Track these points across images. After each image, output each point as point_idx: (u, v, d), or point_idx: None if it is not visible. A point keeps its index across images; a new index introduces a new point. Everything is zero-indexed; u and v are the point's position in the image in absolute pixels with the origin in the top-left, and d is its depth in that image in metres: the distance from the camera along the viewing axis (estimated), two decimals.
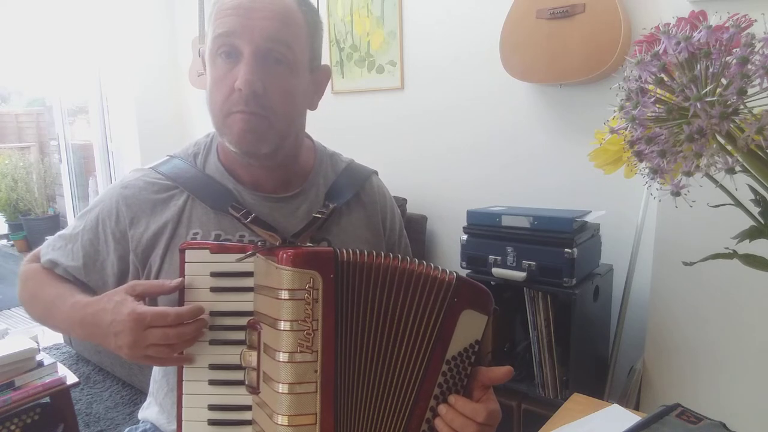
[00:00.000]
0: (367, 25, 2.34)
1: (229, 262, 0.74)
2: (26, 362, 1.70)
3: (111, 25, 3.19)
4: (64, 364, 1.89)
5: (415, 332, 0.72)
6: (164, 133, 3.18)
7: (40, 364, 1.74)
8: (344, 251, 0.70)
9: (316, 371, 0.67)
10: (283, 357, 0.66)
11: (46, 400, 1.78)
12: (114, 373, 2.59)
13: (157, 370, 0.97)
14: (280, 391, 0.67)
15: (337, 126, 2.51)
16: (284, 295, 0.67)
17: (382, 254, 0.72)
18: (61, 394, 1.78)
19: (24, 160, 5.41)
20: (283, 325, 0.67)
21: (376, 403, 0.72)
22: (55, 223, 5.06)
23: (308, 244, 0.82)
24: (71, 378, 1.80)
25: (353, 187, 0.95)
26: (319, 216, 0.86)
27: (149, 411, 0.97)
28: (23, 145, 6.18)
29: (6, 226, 5.36)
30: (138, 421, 0.99)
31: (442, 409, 0.72)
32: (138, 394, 2.44)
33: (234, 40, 0.76)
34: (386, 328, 0.71)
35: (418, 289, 0.71)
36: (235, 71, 0.76)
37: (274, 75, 0.78)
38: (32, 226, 5.07)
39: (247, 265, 0.74)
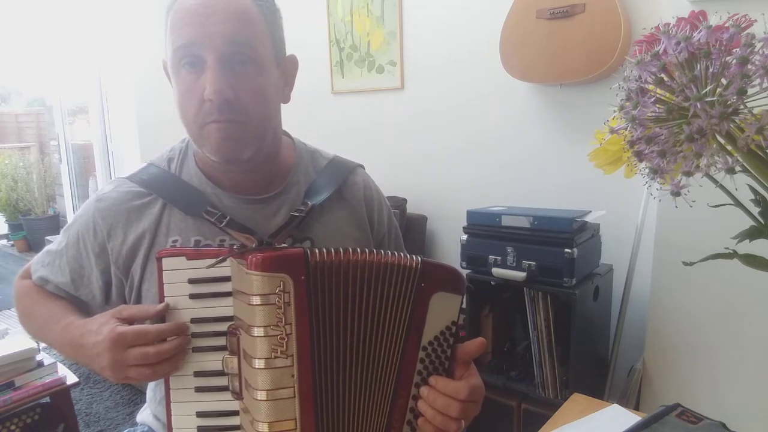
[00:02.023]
0: (367, 25, 2.34)
1: (205, 268, 0.73)
2: (26, 362, 1.70)
3: (111, 25, 3.19)
4: (64, 364, 1.88)
5: (389, 324, 0.71)
6: (164, 133, 3.16)
7: (40, 364, 1.74)
8: (315, 251, 0.68)
9: (292, 376, 0.66)
10: (258, 364, 0.65)
11: (46, 400, 1.77)
12: None
13: None
14: (258, 398, 0.65)
15: (336, 126, 2.51)
16: (255, 300, 0.65)
17: (353, 250, 0.70)
18: (61, 394, 1.78)
19: (24, 160, 5.41)
20: (257, 331, 0.65)
21: (357, 401, 0.71)
22: (55, 223, 5.06)
23: (283, 245, 0.79)
24: (71, 378, 1.79)
25: (334, 183, 0.92)
26: (297, 215, 0.84)
27: (146, 414, 0.98)
28: (23, 145, 6.18)
29: (6, 226, 5.36)
30: (136, 423, 0.99)
31: (424, 391, 0.72)
32: (138, 394, 2.44)
33: (195, 50, 0.74)
34: (361, 324, 0.70)
35: (386, 280, 0.70)
36: (202, 81, 0.74)
37: (242, 77, 0.76)
38: (32, 226, 5.07)
39: (225, 270, 0.72)
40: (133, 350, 0.69)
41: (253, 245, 0.77)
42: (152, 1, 3.20)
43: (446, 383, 0.71)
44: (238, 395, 0.71)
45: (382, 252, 0.71)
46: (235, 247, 0.78)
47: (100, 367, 0.72)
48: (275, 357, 0.65)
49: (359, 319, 0.70)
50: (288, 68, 0.87)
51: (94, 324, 0.75)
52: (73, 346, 0.77)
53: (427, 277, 0.71)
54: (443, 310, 0.72)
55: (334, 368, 0.69)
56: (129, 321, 0.74)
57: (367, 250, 0.71)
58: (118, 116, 3.42)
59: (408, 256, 0.72)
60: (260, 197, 0.87)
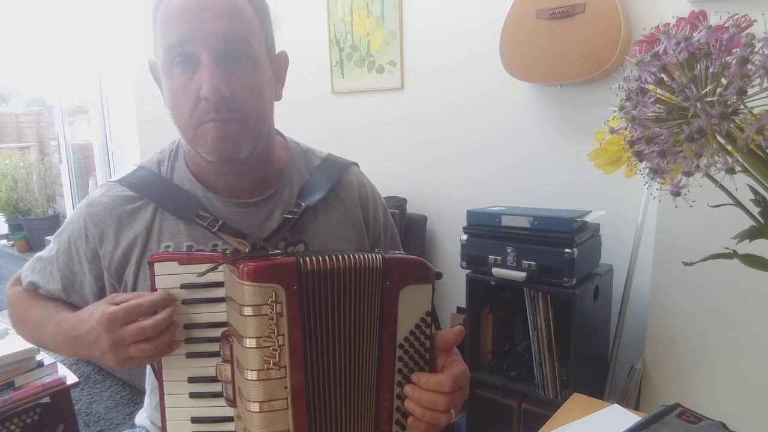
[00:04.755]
0: (367, 25, 2.34)
1: (197, 275, 0.71)
2: (26, 362, 1.70)
3: (111, 25, 3.19)
4: (64, 364, 1.88)
5: (365, 328, 0.70)
6: (164, 133, 3.17)
7: (40, 364, 1.74)
8: (307, 260, 0.67)
9: (285, 387, 0.65)
10: (251, 375, 0.64)
11: (46, 400, 1.78)
12: (114, 373, 2.59)
13: (147, 384, 0.96)
14: (251, 409, 0.65)
15: (336, 126, 2.51)
16: (247, 311, 0.64)
17: (336, 255, 0.69)
18: (61, 394, 1.78)
19: (24, 160, 5.41)
20: (249, 342, 0.64)
21: (346, 408, 0.71)
22: (55, 223, 5.06)
23: (276, 250, 0.78)
24: (71, 378, 1.79)
25: (327, 183, 0.90)
26: (290, 217, 0.82)
27: (143, 418, 0.97)
28: (23, 145, 6.18)
29: (6, 226, 5.36)
30: (135, 425, 0.99)
31: (408, 389, 0.71)
32: (138, 394, 2.44)
33: (188, 47, 0.72)
34: (344, 331, 0.69)
35: (358, 283, 0.70)
36: (197, 79, 0.72)
37: (237, 74, 0.74)
38: (32, 226, 5.07)
39: (218, 275, 0.71)
40: (129, 327, 0.68)
41: (247, 250, 0.76)
42: (152, 2, 3.20)
43: (429, 378, 0.71)
44: (232, 402, 0.70)
45: (354, 255, 0.70)
46: (227, 252, 0.76)
47: (101, 353, 0.70)
48: (268, 368, 0.64)
49: (342, 326, 0.69)
50: (280, 65, 0.85)
51: (85, 313, 0.73)
52: (68, 339, 0.76)
53: (392, 274, 0.71)
54: (415, 304, 0.72)
55: (324, 377, 0.69)
56: None
57: (346, 255, 0.70)
58: (118, 116, 3.42)
59: (370, 256, 0.71)
60: (253, 200, 0.85)
